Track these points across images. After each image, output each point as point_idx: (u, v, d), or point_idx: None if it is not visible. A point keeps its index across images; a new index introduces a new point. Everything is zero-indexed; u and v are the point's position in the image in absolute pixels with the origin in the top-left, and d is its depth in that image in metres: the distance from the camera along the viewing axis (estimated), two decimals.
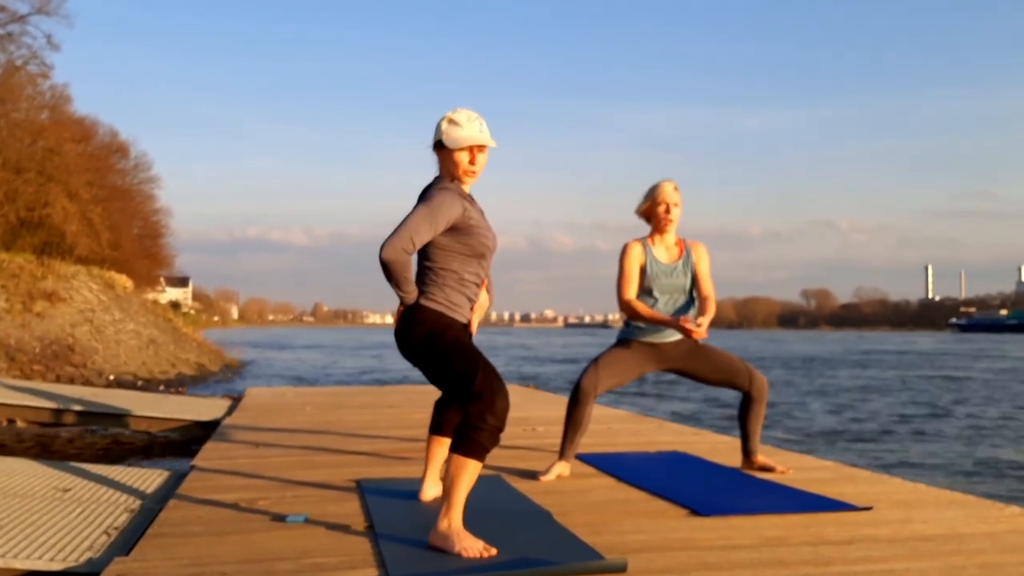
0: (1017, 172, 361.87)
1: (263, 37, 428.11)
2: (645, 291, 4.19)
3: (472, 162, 3.03)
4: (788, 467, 4.41)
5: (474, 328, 3.20)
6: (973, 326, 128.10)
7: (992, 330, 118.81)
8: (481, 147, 3.04)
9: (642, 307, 4.12)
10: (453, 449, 2.81)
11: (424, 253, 3.05)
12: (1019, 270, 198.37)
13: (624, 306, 4.16)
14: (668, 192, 4.15)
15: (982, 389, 20.17)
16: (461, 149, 3.01)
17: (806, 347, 53.80)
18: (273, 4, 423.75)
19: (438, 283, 3.03)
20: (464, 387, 2.87)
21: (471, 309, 3.13)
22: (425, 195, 3.03)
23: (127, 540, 3.28)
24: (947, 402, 16.82)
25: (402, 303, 3.00)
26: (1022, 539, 3.04)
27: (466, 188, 3.09)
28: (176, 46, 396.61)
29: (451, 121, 3.03)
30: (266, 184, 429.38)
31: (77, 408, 8.21)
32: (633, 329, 4.24)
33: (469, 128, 3.01)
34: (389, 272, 2.86)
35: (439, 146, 3.07)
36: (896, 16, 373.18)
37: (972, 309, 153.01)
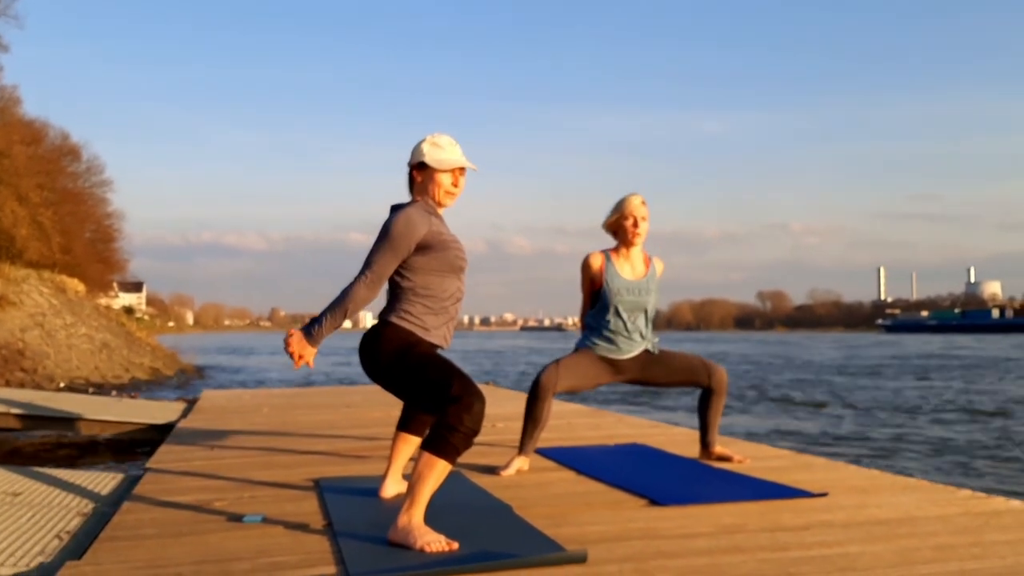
0: (963, 176, 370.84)
1: (217, 41, 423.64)
2: (604, 307, 4.18)
3: (455, 184, 3.11)
4: (745, 456, 4.46)
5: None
6: (897, 327, 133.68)
7: (914, 330, 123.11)
8: (462, 170, 3.12)
9: None
10: (425, 447, 2.79)
11: (399, 272, 3.04)
12: (968, 271, 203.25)
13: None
14: (636, 205, 4.14)
15: None
16: (445, 171, 3.08)
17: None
18: (226, 9, 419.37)
19: (412, 301, 3.03)
20: (441, 392, 2.84)
21: (448, 327, 3.11)
22: (386, 221, 3.03)
23: (79, 544, 3.21)
24: None
25: (320, 319, 2.96)
26: (974, 521, 3.10)
27: (442, 209, 3.15)
28: (130, 49, 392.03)
29: (434, 144, 3.10)
30: (220, 188, 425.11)
31: (27, 412, 8.03)
32: (592, 343, 4.25)
33: (452, 151, 3.10)
34: (347, 306, 2.92)
35: (420, 167, 3.10)
36: (848, 23, 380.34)
37: (897, 311, 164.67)
